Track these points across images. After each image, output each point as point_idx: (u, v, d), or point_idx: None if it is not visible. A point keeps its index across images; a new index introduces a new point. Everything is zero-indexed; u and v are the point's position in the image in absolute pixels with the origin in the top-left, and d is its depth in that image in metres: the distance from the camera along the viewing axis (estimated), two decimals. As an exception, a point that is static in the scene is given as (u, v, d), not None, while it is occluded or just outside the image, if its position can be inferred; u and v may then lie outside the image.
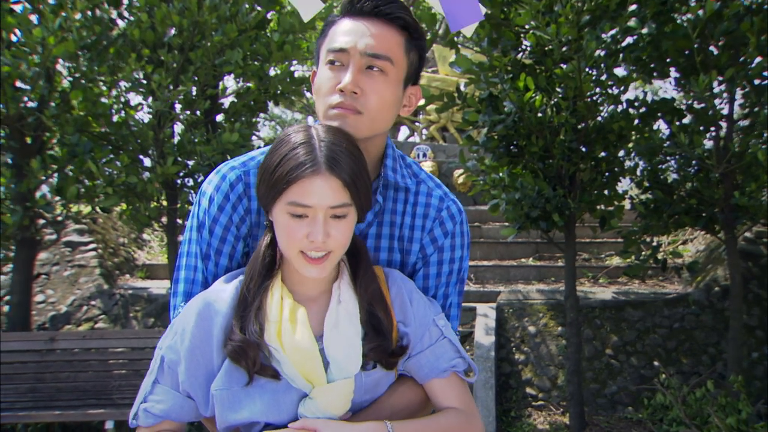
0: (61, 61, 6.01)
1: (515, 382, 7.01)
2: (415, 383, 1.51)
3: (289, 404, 1.37)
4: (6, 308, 7.21)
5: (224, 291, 1.43)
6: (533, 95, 5.50)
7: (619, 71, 5.90)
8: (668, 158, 5.98)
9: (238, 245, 1.55)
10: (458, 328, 1.68)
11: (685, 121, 5.84)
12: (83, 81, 6.00)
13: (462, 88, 6.19)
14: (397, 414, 1.46)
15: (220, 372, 1.37)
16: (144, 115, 6.39)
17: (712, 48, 5.50)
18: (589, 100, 5.67)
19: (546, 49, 5.60)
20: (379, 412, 1.44)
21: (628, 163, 6.12)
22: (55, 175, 6.16)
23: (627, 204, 6.24)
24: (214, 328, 1.39)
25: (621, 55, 5.68)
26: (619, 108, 5.88)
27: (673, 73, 5.81)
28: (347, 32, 1.49)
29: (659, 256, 6.13)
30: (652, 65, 5.78)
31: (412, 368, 1.50)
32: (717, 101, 5.45)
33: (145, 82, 6.15)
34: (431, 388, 1.50)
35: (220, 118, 7.08)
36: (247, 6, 6.42)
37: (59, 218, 6.37)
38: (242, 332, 1.35)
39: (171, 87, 6.02)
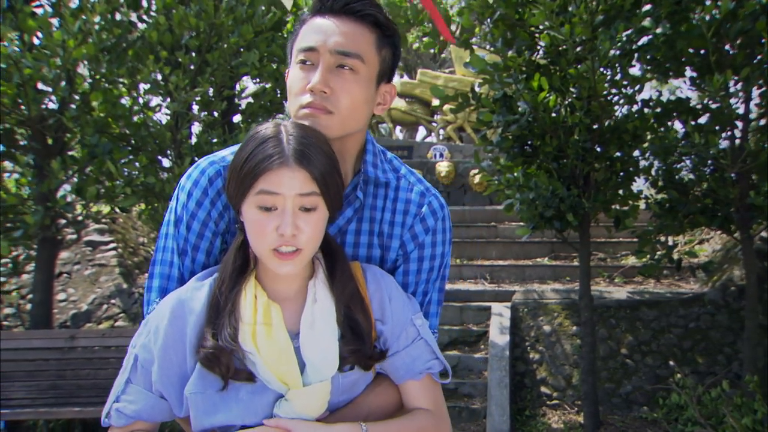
0: (82, 63, 6.11)
1: (530, 381, 7.03)
2: (391, 383, 1.50)
3: (265, 406, 1.35)
4: (29, 306, 7.33)
5: (198, 289, 1.40)
6: (547, 95, 5.52)
7: (635, 71, 5.90)
8: (684, 158, 5.97)
9: (216, 241, 1.52)
10: (437, 326, 1.65)
11: (701, 120, 5.83)
12: (103, 83, 6.09)
13: (476, 88, 6.22)
14: (374, 414, 1.44)
15: (194, 374, 1.34)
16: (162, 116, 6.48)
17: (727, 47, 5.48)
18: (603, 100, 5.68)
19: (560, 49, 5.62)
20: (356, 412, 1.42)
21: (643, 163, 6.12)
22: (76, 175, 6.26)
23: (642, 204, 6.24)
24: (187, 327, 1.36)
25: (636, 55, 5.68)
26: (634, 108, 5.88)
27: (689, 72, 5.80)
28: (317, 31, 1.47)
29: (674, 256, 6.12)
30: (667, 65, 5.77)
31: (387, 369, 1.48)
32: (733, 100, 5.43)
33: (163, 83, 6.23)
34: (405, 388, 1.48)
35: (237, 119, 7.16)
36: (263, 8, 6.48)
37: (79, 218, 6.47)
38: (215, 338, 1.32)
39: (188, 88, 6.10)
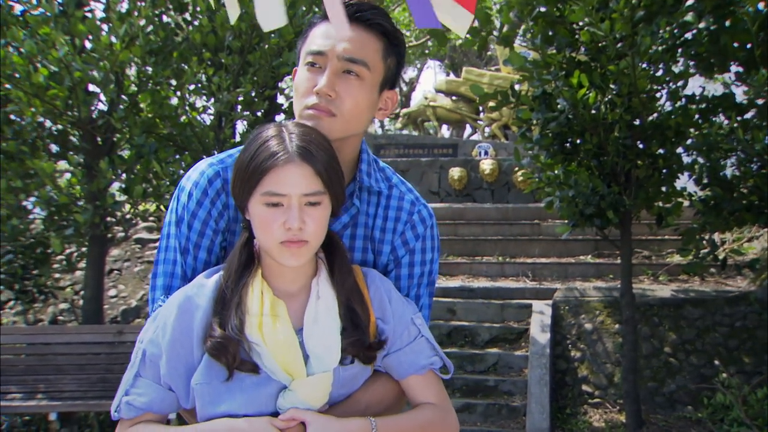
0: (130, 65, 6.27)
1: (571, 379, 6.99)
2: (388, 379, 1.55)
3: (268, 397, 1.40)
4: (82, 302, 7.57)
5: (204, 286, 1.45)
6: (587, 92, 5.48)
7: (678, 66, 5.81)
8: (729, 154, 5.86)
9: (217, 239, 1.57)
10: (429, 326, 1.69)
11: (747, 116, 5.72)
12: (150, 84, 6.25)
13: (516, 86, 6.21)
14: (372, 408, 1.49)
15: (200, 366, 1.39)
16: (206, 117, 6.61)
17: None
18: (644, 96, 5.61)
19: (600, 45, 5.57)
20: (354, 407, 1.47)
21: (686, 159, 6.03)
22: (124, 175, 6.44)
23: (686, 201, 6.14)
24: (194, 321, 1.41)
25: (679, 50, 5.60)
26: (678, 104, 5.79)
27: (734, 67, 5.69)
28: (326, 35, 1.52)
29: (720, 254, 6.02)
30: (711, 60, 5.67)
31: (390, 365, 1.53)
32: (779, 95, 5.32)
33: (207, 84, 6.36)
34: (409, 384, 1.54)
35: (279, 118, 7.26)
36: (303, 8, 6.56)
37: (128, 216, 6.65)
38: (222, 328, 1.37)
39: (231, 89, 6.21)
